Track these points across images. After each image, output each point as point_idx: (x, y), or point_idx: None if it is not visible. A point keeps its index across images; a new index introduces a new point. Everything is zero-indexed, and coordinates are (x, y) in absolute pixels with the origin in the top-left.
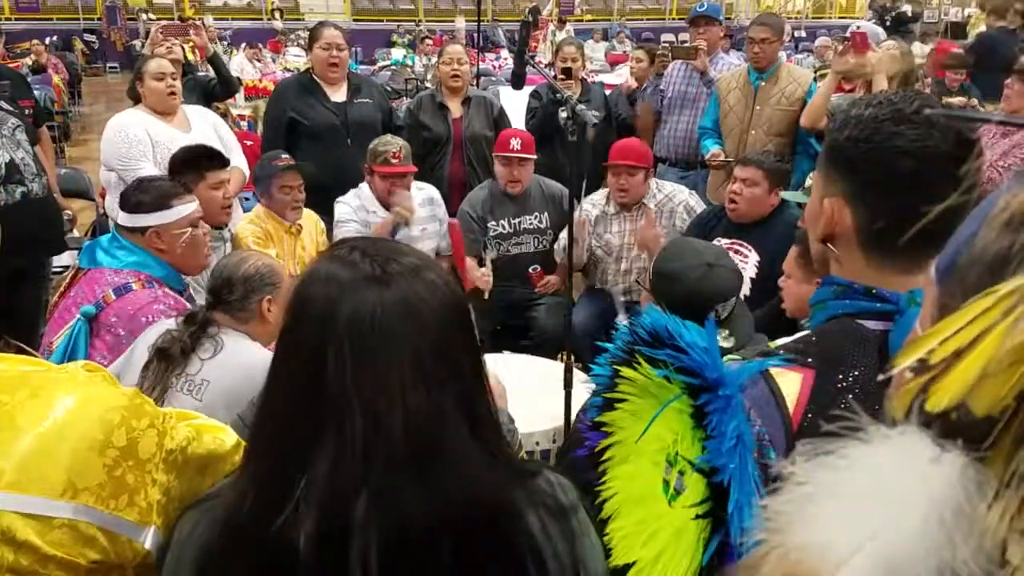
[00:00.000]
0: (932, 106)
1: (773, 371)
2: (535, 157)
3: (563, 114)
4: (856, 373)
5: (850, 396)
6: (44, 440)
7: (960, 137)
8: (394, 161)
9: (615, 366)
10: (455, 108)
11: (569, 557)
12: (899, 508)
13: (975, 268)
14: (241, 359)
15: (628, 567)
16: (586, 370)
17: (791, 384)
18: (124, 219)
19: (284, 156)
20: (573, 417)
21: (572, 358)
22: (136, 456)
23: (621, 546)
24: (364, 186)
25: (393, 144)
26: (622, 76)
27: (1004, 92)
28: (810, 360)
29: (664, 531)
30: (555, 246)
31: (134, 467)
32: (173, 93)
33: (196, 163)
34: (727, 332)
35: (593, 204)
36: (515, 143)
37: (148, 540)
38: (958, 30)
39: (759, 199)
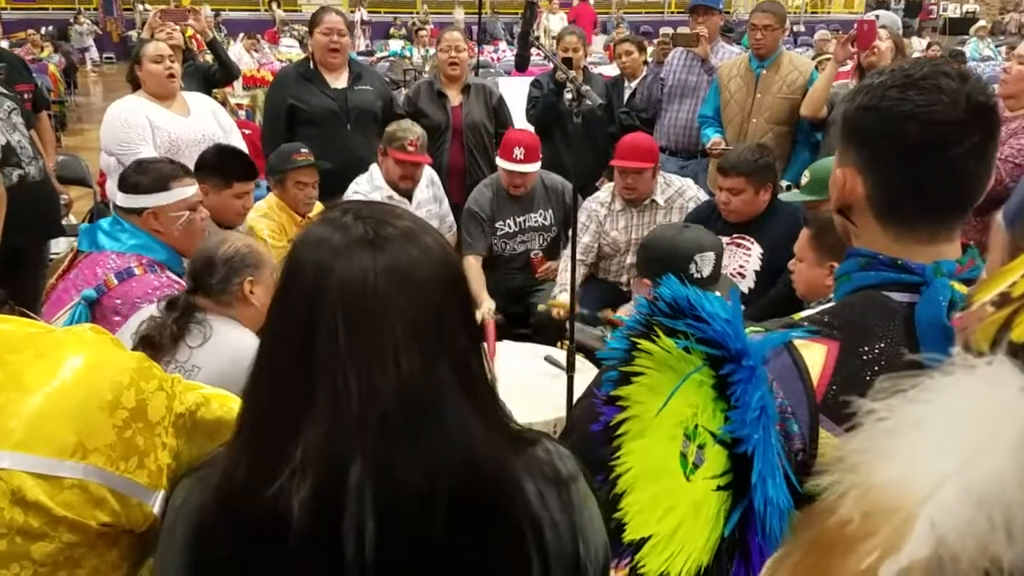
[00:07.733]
0: (946, 72)
1: (797, 343)
2: (539, 163)
3: (568, 95)
4: (882, 345)
5: (875, 368)
6: (53, 400)
7: (972, 102)
8: (410, 148)
9: (633, 339)
10: (454, 96)
11: (567, 527)
12: (989, 436)
13: None
14: (231, 345)
15: (643, 541)
16: (588, 357)
17: (815, 356)
18: (122, 200)
19: (303, 150)
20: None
21: (574, 343)
22: (146, 418)
23: (635, 521)
24: (374, 169)
25: (412, 132)
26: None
27: (1001, 77)
28: (835, 332)
29: (681, 505)
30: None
31: (144, 429)
32: (172, 76)
33: (224, 170)
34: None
35: (600, 203)
36: (518, 152)
37: (157, 504)
38: (956, 26)
39: (748, 202)
